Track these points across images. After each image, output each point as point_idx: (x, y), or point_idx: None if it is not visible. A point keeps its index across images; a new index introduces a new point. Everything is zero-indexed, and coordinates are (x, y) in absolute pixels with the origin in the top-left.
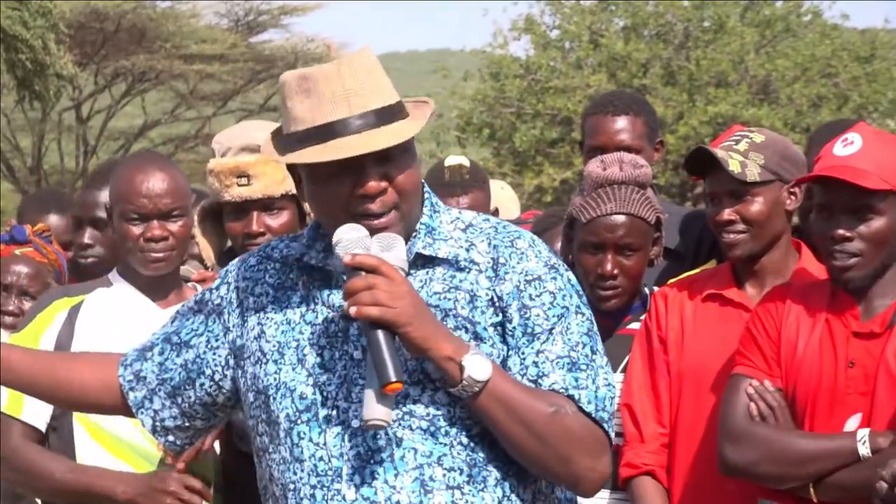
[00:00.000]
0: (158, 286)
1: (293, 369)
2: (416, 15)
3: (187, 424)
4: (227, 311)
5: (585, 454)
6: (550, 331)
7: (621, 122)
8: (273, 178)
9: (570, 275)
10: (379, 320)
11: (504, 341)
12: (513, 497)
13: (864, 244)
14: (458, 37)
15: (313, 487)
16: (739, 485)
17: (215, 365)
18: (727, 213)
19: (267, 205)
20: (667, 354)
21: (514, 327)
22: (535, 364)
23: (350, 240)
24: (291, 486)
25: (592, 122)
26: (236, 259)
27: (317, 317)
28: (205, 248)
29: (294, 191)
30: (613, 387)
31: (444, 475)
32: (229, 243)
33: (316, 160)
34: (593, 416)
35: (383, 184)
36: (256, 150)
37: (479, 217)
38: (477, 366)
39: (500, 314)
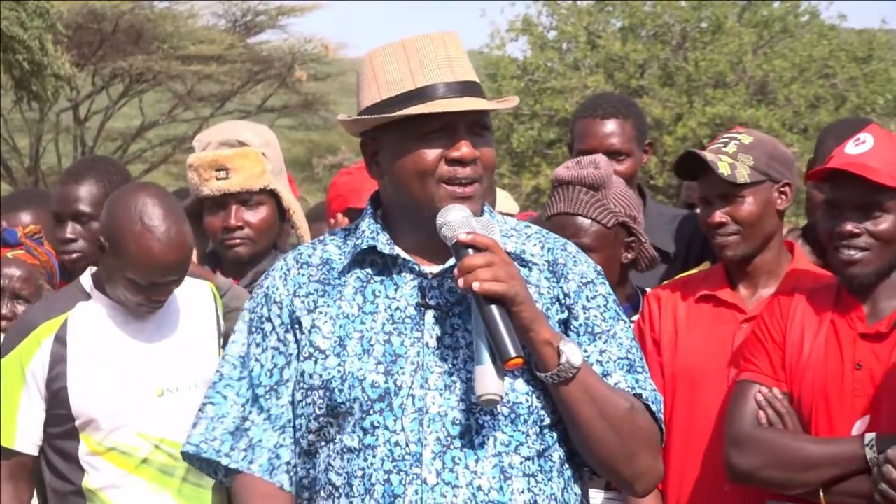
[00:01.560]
0: None
1: (359, 359)
2: (413, 15)
3: (295, 449)
4: (285, 327)
5: (648, 452)
6: (608, 332)
7: (610, 126)
8: (251, 172)
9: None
10: (501, 296)
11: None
12: (569, 489)
13: (872, 241)
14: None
15: (388, 472)
16: (734, 485)
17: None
18: (719, 216)
19: (245, 199)
20: (660, 356)
21: (579, 325)
22: (600, 363)
23: (456, 219)
24: (359, 474)
25: (581, 125)
26: (271, 278)
27: (377, 307)
28: None
29: (272, 186)
30: (659, 392)
31: (522, 463)
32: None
33: (437, 110)
34: (656, 415)
35: (477, 153)
36: (235, 145)
37: (520, 222)
38: (573, 352)
39: (566, 311)
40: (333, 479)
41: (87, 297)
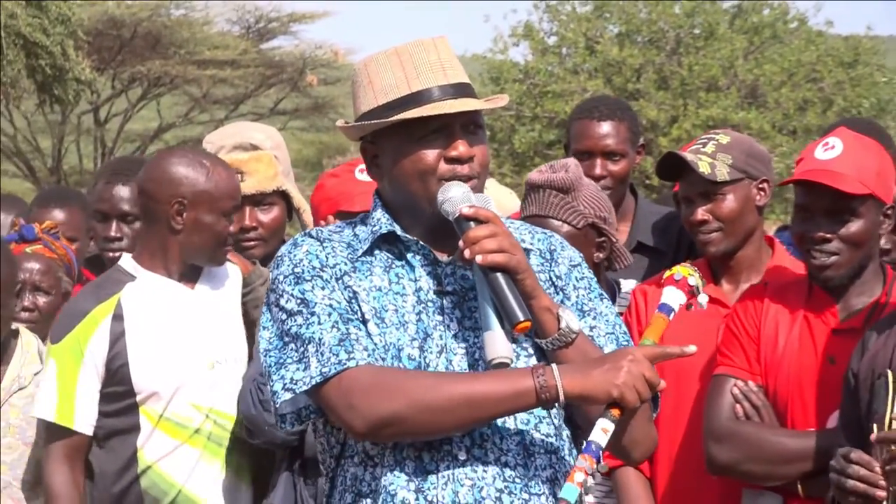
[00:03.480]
0: (187, 271)
1: (397, 329)
2: (419, 22)
3: None
4: (336, 279)
5: (643, 418)
6: (595, 310)
7: (606, 127)
8: (265, 175)
9: None
10: (504, 266)
11: None
12: (574, 453)
13: (842, 245)
14: (460, 42)
15: (418, 449)
16: (719, 478)
17: None
18: (700, 213)
19: (258, 200)
20: None
21: (570, 304)
22: (591, 338)
23: (457, 195)
24: (391, 445)
25: (578, 126)
26: (298, 248)
27: (403, 288)
28: None
29: (284, 187)
30: None
31: (542, 440)
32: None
33: (435, 112)
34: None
35: (472, 151)
36: (249, 149)
37: (506, 218)
38: (571, 318)
39: (560, 293)
40: (368, 447)
41: (132, 277)
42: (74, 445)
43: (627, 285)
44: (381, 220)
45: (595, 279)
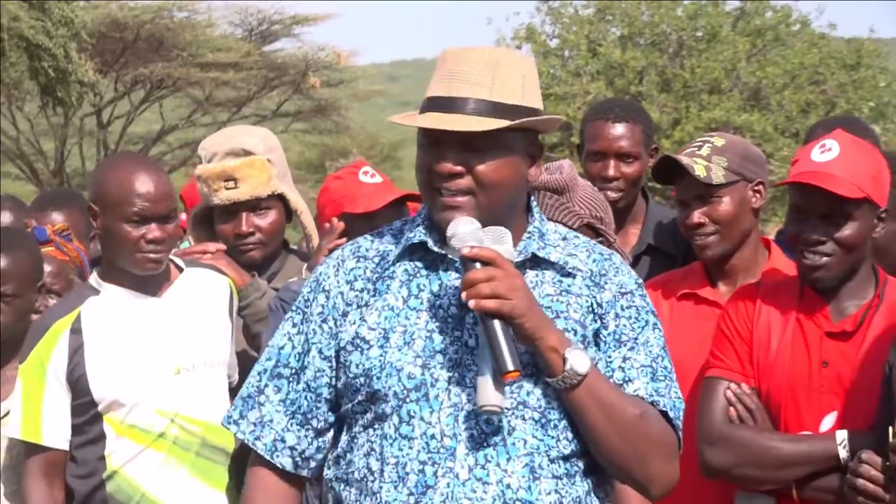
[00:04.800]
0: (150, 281)
1: (399, 350)
2: (423, 26)
3: (322, 441)
4: (331, 315)
5: (661, 457)
6: (635, 340)
7: (620, 129)
8: (259, 180)
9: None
10: (497, 312)
11: (598, 346)
12: (596, 491)
13: (836, 248)
14: (463, 45)
15: (423, 463)
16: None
17: (330, 370)
18: (696, 216)
19: (254, 205)
20: None
21: (608, 334)
22: (622, 369)
23: (465, 232)
24: (393, 461)
25: (592, 127)
26: (325, 265)
27: (422, 303)
28: None
29: (279, 190)
30: (682, 399)
31: (550, 465)
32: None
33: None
34: (673, 422)
35: (458, 168)
36: (241, 155)
37: (570, 232)
38: (578, 359)
39: (599, 321)
40: (371, 463)
41: (96, 291)
42: (49, 461)
43: None
44: (419, 228)
45: (649, 308)
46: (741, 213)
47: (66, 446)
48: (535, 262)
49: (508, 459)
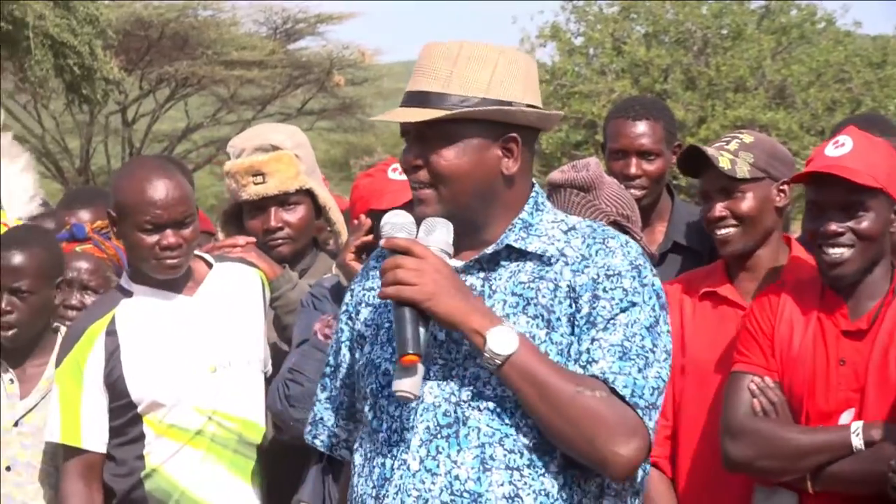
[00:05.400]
0: (179, 280)
1: (381, 347)
2: (447, 23)
3: (353, 427)
4: (353, 313)
5: (609, 437)
6: (610, 320)
7: (642, 127)
8: (287, 175)
9: (657, 280)
10: (396, 297)
11: (573, 329)
12: (575, 486)
13: (854, 239)
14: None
15: (384, 456)
16: (740, 475)
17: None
18: (719, 209)
19: (283, 200)
20: None
21: (581, 316)
22: (588, 351)
23: (394, 224)
24: (369, 456)
25: (614, 125)
26: (365, 263)
27: None
28: None
29: (307, 185)
30: (664, 381)
31: (505, 455)
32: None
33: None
34: (627, 399)
35: (416, 161)
36: (269, 150)
37: (586, 222)
38: (500, 340)
39: (574, 304)
40: (356, 458)
41: (129, 293)
42: (88, 463)
43: None
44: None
45: (638, 290)
46: (764, 211)
47: (104, 449)
48: (519, 253)
49: (459, 451)
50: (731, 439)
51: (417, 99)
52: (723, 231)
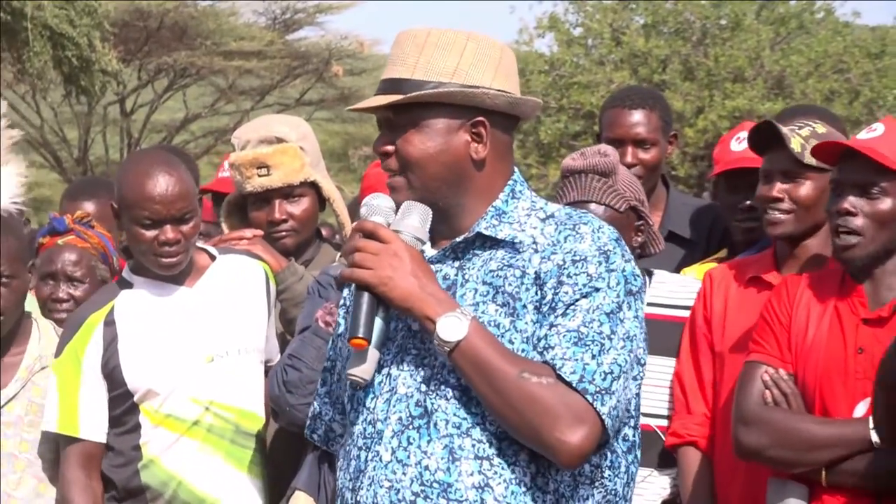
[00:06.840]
0: (179, 272)
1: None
2: (445, 13)
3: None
4: (345, 308)
5: (554, 424)
6: (570, 305)
7: (637, 116)
8: (291, 167)
9: (629, 266)
10: (352, 280)
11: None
12: (548, 475)
13: (867, 222)
14: (486, 33)
15: (360, 449)
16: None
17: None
18: (777, 189)
19: (287, 193)
20: (711, 334)
21: (545, 303)
22: (546, 337)
23: (371, 206)
24: (348, 448)
25: (609, 115)
26: None
27: None
28: None
29: (312, 178)
30: (622, 369)
31: (474, 445)
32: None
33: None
34: (574, 385)
35: (387, 147)
36: (274, 142)
37: (565, 210)
38: (448, 326)
39: (539, 291)
40: (340, 451)
41: (129, 285)
42: (87, 453)
43: (660, 275)
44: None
45: (606, 274)
46: (819, 202)
47: (103, 438)
48: (491, 241)
49: (429, 441)
50: (744, 427)
51: (388, 86)
52: (775, 213)
